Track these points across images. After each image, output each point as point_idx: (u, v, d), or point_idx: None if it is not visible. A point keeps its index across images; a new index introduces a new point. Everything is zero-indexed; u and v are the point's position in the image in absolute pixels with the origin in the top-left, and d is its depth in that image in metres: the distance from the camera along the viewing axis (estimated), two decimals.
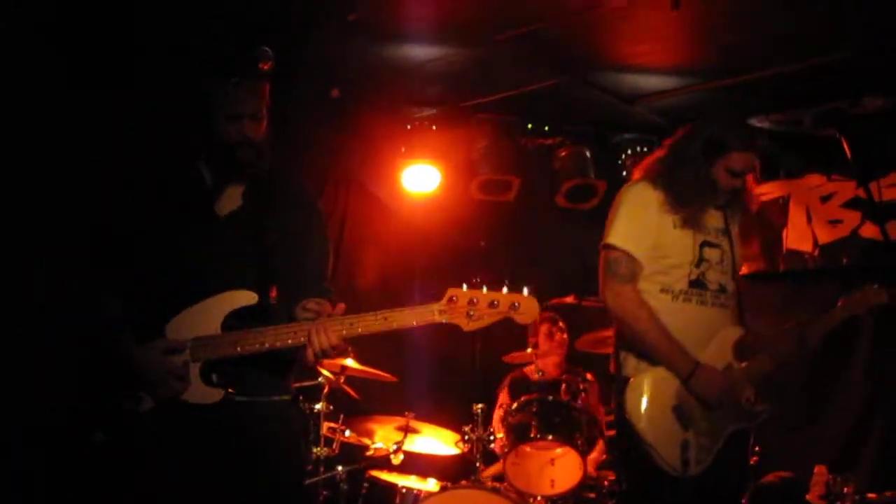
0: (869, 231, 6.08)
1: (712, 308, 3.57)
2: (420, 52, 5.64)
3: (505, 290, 2.69)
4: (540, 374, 5.33)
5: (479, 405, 4.97)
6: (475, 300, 2.67)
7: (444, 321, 2.70)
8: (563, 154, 6.68)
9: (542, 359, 5.60)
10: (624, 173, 6.71)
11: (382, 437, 5.22)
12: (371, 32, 5.34)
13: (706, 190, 3.57)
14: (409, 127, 6.41)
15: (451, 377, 6.34)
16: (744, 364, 3.56)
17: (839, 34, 5.31)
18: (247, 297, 2.87)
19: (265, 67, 2.91)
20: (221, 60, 2.97)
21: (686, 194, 3.55)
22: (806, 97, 6.21)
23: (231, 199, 3.02)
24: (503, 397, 5.88)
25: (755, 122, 6.52)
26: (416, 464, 5.40)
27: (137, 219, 2.95)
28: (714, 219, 3.66)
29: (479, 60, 5.72)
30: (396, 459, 5.13)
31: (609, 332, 5.49)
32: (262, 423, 2.93)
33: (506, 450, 4.93)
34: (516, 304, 2.67)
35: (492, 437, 4.93)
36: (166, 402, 2.81)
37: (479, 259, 6.85)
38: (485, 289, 2.68)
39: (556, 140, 6.72)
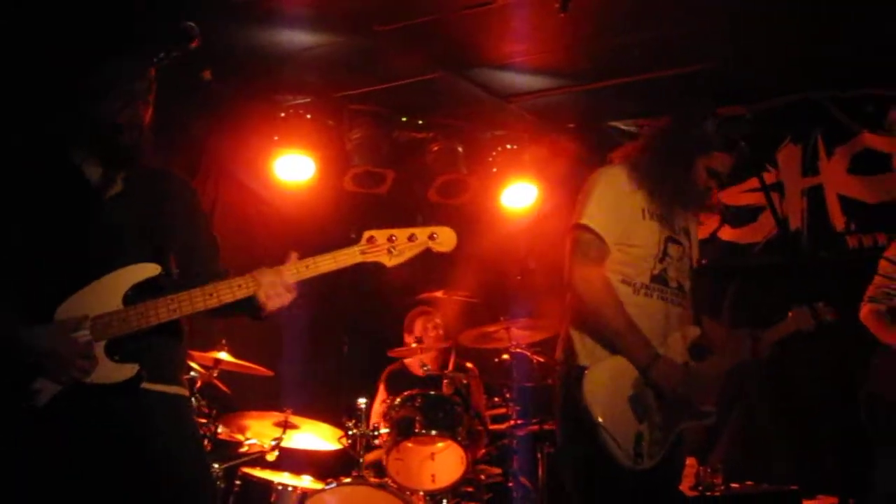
0: (727, 234, 6.38)
1: (671, 305, 3.54)
2: (298, 38, 5.50)
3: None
4: (426, 368, 5.29)
5: (362, 400, 4.88)
6: (394, 237, 2.78)
7: (367, 261, 2.77)
8: (436, 149, 6.67)
9: (425, 353, 5.56)
10: (494, 170, 6.80)
11: (257, 433, 5.06)
12: (248, 14, 5.16)
13: (680, 186, 3.56)
14: (282, 115, 6.23)
15: (326, 371, 6.22)
16: (697, 365, 3.55)
17: (710, 44, 5.54)
18: (149, 270, 2.72)
19: (194, 45, 2.75)
20: (128, 39, 2.82)
21: (660, 186, 3.51)
22: (674, 102, 6.46)
23: (112, 184, 2.85)
24: (382, 390, 5.80)
25: (621, 125, 6.78)
26: (289, 460, 5.26)
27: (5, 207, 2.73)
28: (679, 216, 3.63)
29: (358, 50, 5.64)
30: (271, 456, 4.99)
31: (491, 329, 5.57)
32: (167, 415, 2.77)
33: (388, 445, 4.86)
34: (434, 235, 2.81)
35: (375, 433, 4.85)
36: (68, 389, 2.60)
37: None
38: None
39: (428, 134, 6.71)
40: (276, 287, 2.71)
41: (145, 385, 2.70)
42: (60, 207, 2.75)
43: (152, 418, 2.73)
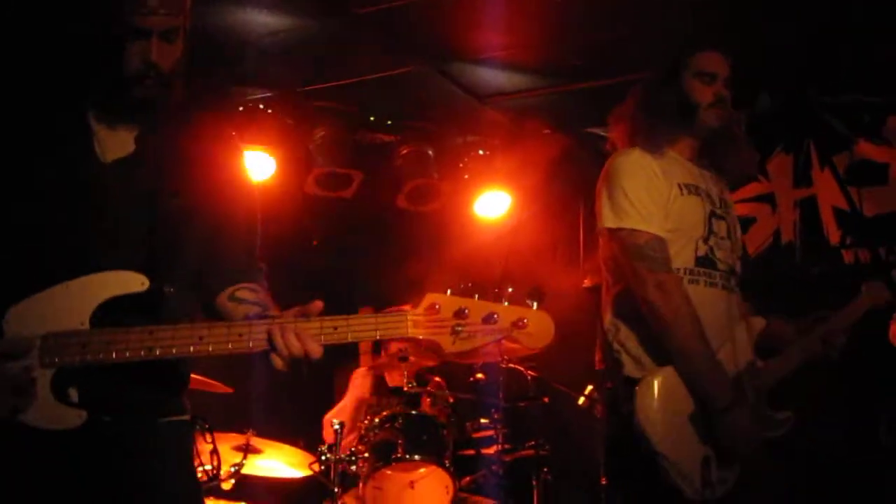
0: None
1: (722, 291, 3.05)
2: (262, 20, 4.99)
3: (506, 302, 2.08)
4: (410, 385, 4.73)
5: (336, 421, 4.33)
6: (465, 311, 2.04)
7: (419, 337, 2.04)
8: (405, 152, 6.20)
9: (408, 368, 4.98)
10: (466, 176, 6.37)
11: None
12: None
13: (684, 116, 3.07)
14: (241, 109, 5.69)
15: (293, 388, 5.64)
16: (765, 363, 3.06)
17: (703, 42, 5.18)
18: (132, 282, 2.05)
19: None
20: None
21: (662, 129, 3.05)
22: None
23: (120, 142, 2.19)
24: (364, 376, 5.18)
25: (600, 131, 6.38)
26: (249, 488, 4.67)
27: None
28: (715, 186, 3.15)
29: (328, 37, 5.16)
30: (227, 484, 4.39)
31: None
32: (148, 456, 2.13)
33: (365, 472, 4.31)
34: (524, 322, 2.06)
35: (354, 458, 4.30)
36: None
37: (311, 260, 6.21)
38: (477, 297, 2.07)
39: (396, 137, 6.24)
40: (295, 348, 1.99)
41: (110, 419, 2.08)
42: (37, 168, 2.12)
43: (123, 465, 2.10)
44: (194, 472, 2.41)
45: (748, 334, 3.07)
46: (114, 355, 1.99)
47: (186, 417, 2.27)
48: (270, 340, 1.99)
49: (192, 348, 2.01)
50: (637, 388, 2.88)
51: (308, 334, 1.99)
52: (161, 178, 2.18)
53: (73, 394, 2.02)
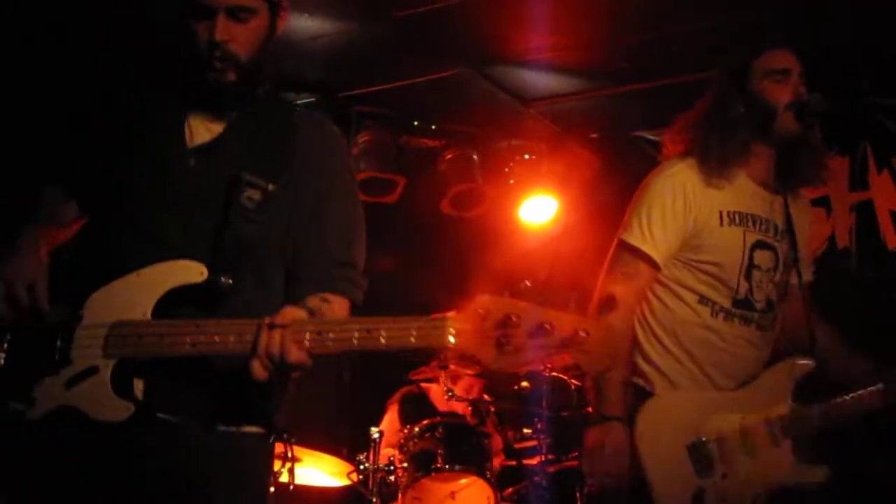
0: None
1: (757, 331, 2.95)
2: (304, 24, 4.96)
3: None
4: (451, 394, 4.65)
5: (376, 429, 4.26)
6: (514, 318, 1.70)
7: (458, 348, 1.80)
8: (450, 156, 6.13)
9: (452, 378, 4.90)
10: (511, 181, 6.28)
11: None
12: None
13: (760, 123, 2.88)
14: None
15: (327, 394, 5.59)
16: (798, 409, 2.86)
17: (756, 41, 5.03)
18: (192, 272, 1.99)
19: None
20: None
21: (734, 145, 2.87)
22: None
23: (206, 129, 2.14)
24: (393, 413, 5.13)
25: (649, 135, 6.24)
26: (287, 498, 4.61)
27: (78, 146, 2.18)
28: (781, 207, 2.97)
29: (371, 41, 5.11)
30: None
31: None
32: (202, 463, 2.03)
33: (404, 482, 4.24)
34: (584, 333, 1.70)
35: (392, 468, 4.23)
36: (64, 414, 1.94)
37: None
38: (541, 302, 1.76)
39: (440, 141, 6.17)
40: (275, 356, 1.86)
41: (177, 420, 2.01)
42: (140, 156, 2.12)
43: (185, 469, 2.02)
44: (260, 491, 2.24)
45: (790, 375, 2.91)
46: (164, 349, 1.93)
47: (262, 430, 2.15)
48: (255, 338, 1.87)
49: (231, 345, 1.90)
50: (642, 407, 2.83)
51: (292, 338, 1.85)
52: (239, 168, 2.08)
53: (138, 386, 1.97)
